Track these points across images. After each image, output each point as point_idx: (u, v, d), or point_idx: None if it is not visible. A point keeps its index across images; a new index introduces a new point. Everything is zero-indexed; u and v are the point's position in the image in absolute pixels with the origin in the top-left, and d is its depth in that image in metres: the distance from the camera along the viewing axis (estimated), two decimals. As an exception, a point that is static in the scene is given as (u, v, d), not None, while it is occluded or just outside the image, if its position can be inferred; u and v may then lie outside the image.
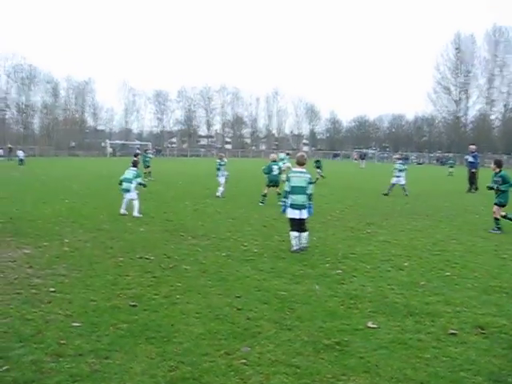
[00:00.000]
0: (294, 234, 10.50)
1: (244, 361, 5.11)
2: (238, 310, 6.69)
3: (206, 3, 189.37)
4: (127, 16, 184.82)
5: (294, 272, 8.76)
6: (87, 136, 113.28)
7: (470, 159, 27.89)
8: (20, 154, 56.42)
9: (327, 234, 12.61)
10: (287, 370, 4.93)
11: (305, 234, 10.57)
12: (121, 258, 9.53)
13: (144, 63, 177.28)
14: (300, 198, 10.39)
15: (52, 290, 7.45)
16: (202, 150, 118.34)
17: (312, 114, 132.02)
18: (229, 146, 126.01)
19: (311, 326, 6.13)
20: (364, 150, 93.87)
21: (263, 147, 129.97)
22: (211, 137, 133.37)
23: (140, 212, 15.17)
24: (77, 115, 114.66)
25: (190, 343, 5.53)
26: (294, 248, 10.46)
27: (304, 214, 10.46)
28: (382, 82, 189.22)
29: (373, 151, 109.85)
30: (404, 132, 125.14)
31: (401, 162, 24.68)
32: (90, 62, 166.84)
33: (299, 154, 11.11)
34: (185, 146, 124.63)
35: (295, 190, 10.39)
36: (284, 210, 10.63)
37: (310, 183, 10.58)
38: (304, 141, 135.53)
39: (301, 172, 10.62)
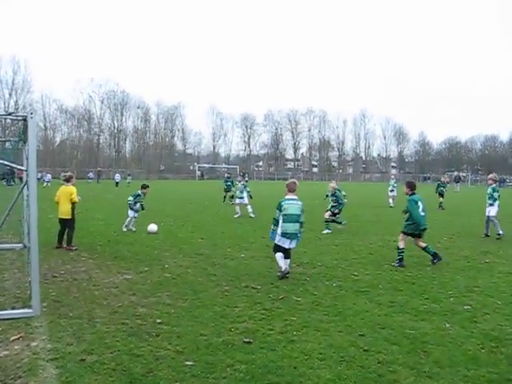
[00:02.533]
0: (280, 254, 9.94)
1: (387, 417, 4.36)
2: (365, 351, 5.92)
3: (291, 27, 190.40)
4: (214, 41, 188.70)
5: (417, 307, 7.89)
6: (176, 159, 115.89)
7: None
8: (117, 177, 59.84)
9: (441, 264, 11.58)
10: (441, 432, 4.14)
11: (288, 261, 10.06)
12: (226, 287, 8.98)
13: (232, 87, 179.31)
14: (292, 227, 9.88)
15: (159, 321, 6.97)
16: (289, 173, 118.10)
17: (400, 136, 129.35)
18: (315, 170, 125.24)
19: (454, 374, 5.29)
20: (456, 173, 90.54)
21: (350, 170, 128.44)
22: (298, 160, 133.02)
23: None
24: (166, 139, 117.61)
25: (318, 391, 4.84)
26: (283, 269, 9.76)
27: (293, 244, 10.05)
28: (473, 101, 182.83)
29: (464, 174, 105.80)
30: (498, 154, 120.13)
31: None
32: (179, 88, 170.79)
33: (291, 181, 10.57)
34: (271, 169, 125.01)
35: (289, 219, 9.83)
36: (272, 238, 10.16)
37: (303, 211, 10.16)
38: (392, 164, 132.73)
39: (293, 199, 10.06)
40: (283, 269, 9.78)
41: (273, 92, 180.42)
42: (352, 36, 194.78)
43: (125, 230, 16.62)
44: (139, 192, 17.15)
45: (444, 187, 30.05)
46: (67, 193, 13.16)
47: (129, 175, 69.57)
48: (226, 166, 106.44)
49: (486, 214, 16.82)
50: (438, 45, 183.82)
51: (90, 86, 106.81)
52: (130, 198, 16.98)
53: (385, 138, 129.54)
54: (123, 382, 4.99)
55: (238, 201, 23.00)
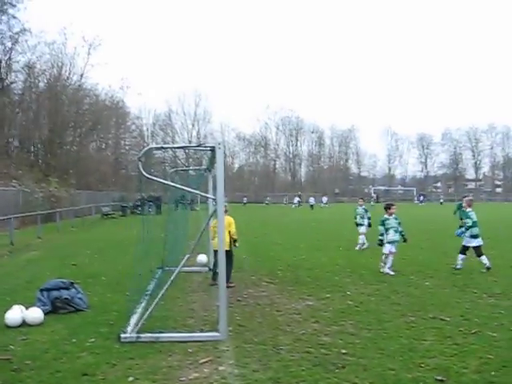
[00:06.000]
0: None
1: None
2: None
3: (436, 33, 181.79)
4: (385, 63, 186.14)
5: None
6: (351, 182, 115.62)
7: None
8: (311, 200, 63.49)
9: None
10: None
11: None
12: (412, 318, 8.54)
13: (406, 107, 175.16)
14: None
15: (343, 351, 6.78)
16: (471, 194, 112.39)
17: None
18: (499, 190, 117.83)
19: None
20: None
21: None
22: (479, 180, 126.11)
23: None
24: (341, 162, 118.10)
25: None
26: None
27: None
28: None
29: None
30: None
31: None
32: (352, 111, 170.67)
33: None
34: (450, 190, 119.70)
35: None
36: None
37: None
38: None
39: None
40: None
41: (450, 109, 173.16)
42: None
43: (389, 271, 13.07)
44: (386, 216, 13.69)
45: None
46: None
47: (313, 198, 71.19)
48: (402, 187, 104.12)
49: None
50: None
51: (266, 113, 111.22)
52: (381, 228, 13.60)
53: None
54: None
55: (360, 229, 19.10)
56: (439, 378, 5.78)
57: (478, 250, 13.29)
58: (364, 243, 18.71)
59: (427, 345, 7.08)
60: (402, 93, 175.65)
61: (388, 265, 13.14)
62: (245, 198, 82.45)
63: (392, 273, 12.95)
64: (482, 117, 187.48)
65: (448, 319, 8.43)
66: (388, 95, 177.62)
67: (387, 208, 13.77)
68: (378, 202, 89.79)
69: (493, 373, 5.96)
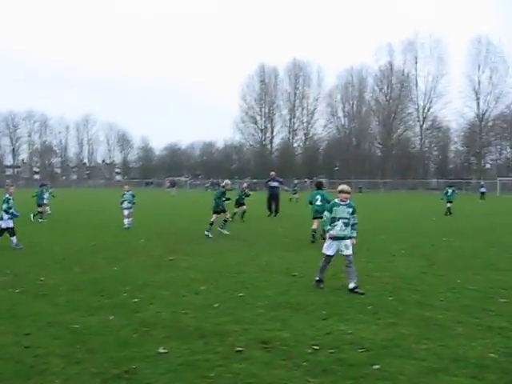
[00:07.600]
0: None
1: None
2: (26, 347, 6.42)
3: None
4: None
5: (91, 303, 8.61)
6: None
7: (274, 184, 28.82)
8: None
9: (130, 263, 12.59)
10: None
11: None
12: None
13: None
14: None
15: None
16: (8, 180, 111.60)
17: (124, 141, 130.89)
18: (37, 176, 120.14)
19: (101, 358, 6.08)
20: (175, 178, 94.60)
21: (74, 177, 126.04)
22: (18, 167, 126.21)
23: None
24: None
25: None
26: None
27: None
28: (194, 109, 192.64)
29: (185, 179, 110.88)
30: (215, 159, 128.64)
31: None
32: None
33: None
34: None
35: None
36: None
37: None
38: (116, 170, 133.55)
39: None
40: None
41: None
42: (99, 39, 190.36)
43: None
44: None
45: (247, 196, 26.56)
46: None
47: None
48: None
49: None
50: (159, 52, 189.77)
51: None
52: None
53: (108, 143, 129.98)
54: None
55: None
56: None
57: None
58: None
59: None
60: None
61: None
62: None
63: None
64: (20, 103, 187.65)
65: None
66: None
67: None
68: None
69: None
